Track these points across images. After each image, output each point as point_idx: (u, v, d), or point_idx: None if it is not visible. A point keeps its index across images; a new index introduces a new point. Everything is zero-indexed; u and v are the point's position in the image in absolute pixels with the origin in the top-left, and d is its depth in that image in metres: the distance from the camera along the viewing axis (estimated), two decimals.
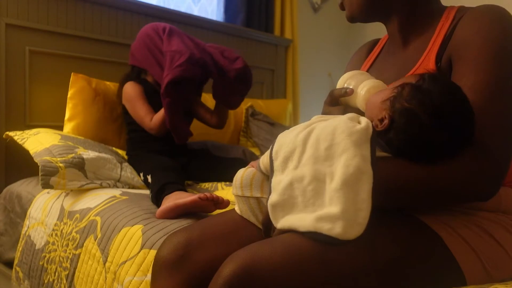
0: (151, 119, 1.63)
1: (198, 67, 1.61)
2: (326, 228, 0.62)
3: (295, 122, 2.92)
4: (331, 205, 0.63)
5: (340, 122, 0.68)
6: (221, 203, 1.18)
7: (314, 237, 0.63)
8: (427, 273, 0.68)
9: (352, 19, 0.93)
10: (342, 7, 0.94)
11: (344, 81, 0.85)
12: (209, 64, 1.64)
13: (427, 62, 0.82)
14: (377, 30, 1.05)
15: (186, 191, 1.32)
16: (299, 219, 0.65)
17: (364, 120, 0.69)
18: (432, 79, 0.70)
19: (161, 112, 1.61)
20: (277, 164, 0.71)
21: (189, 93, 1.67)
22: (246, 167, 0.85)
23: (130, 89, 1.67)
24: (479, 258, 0.71)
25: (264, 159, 0.78)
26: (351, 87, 0.82)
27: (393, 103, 0.71)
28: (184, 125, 1.63)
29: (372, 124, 0.68)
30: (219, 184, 1.61)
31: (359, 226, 0.61)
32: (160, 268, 0.79)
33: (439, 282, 0.68)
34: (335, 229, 0.61)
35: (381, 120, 0.72)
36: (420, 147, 0.68)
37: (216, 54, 1.69)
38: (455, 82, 0.73)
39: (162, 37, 1.66)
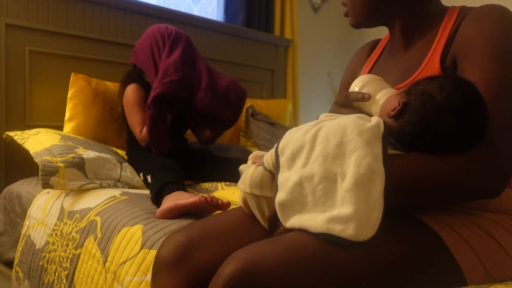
0: (141, 131, 1.62)
1: (186, 88, 1.61)
2: (338, 229, 0.61)
3: (295, 122, 2.91)
4: (343, 206, 0.62)
5: (350, 120, 0.68)
6: (221, 205, 1.17)
7: (325, 238, 0.63)
8: (427, 273, 0.68)
9: (356, 25, 0.93)
10: (346, 14, 0.94)
11: (360, 85, 0.82)
12: (195, 87, 1.64)
13: (432, 63, 0.82)
14: (377, 30, 1.05)
15: (186, 191, 1.32)
16: (310, 219, 0.65)
17: (375, 118, 0.68)
18: (447, 74, 0.73)
19: None
20: (283, 160, 0.71)
21: (176, 109, 1.65)
22: (255, 165, 0.82)
23: (131, 93, 1.66)
24: (479, 258, 0.71)
25: (268, 157, 0.77)
26: (367, 92, 0.80)
27: (408, 91, 0.72)
28: (164, 138, 1.59)
29: (384, 122, 0.68)
30: (219, 184, 1.61)
31: (371, 227, 0.61)
32: (161, 267, 0.79)
33: (439, 282, 0.68)
34: (347, 231, 0.61)
35: (394, 109, 0.72)
36: (432, 132, 0.68)
37: (204, 81, 1.68)
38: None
39: (166, 44, 1.65)
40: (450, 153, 0.69)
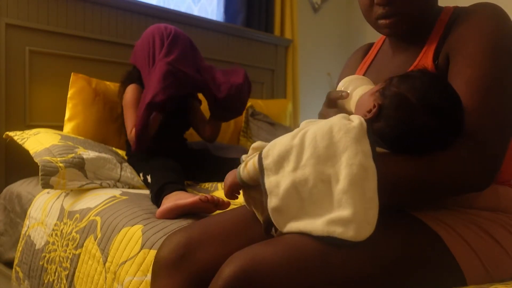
0: (131, 131, 1.59)
1: (189, 85, 1.61)
2: (338, 232, 0.62)
3: (295, 122, 2.91)
4: (340, 208, 0.63)
5: (335, 120, 0.68)
6: (221, 205, 1.17)
7: (326, 241, 0.63)
8: (427, 273, 0.68)
9: (394, 35, 0.90)
10: (391, 24, 0.85)
11: (343, 85, 0.85)
12: (198, 82, 1.64)
13: (424, 60, 0.83)
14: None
15: (186, 191, 1.32)
16: (309, 224, 0.65)
17: (355, 117, 0.69)
18: (420, 70, 0.73)
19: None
20: (267, 162, 0.69)
21: (172, 106, 1.64)
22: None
23: (130, 93, 1.65)
24: (479, 258, 0.71)
25: (249, 165, 0.74)
26: (348, 91, 0.83)
27: (382, 92, 0.73)
28: (148, 137, 1.56)
29: (364, 119, 0.69)
30: (219, 184, 1.61)
31: (369, 225, 0.62)
32: (160, 268, 0.79)
33: (439, 282, 0.68)
34: (348, 232, 0.62)
35: (369, 111, 0.73)
36: (411, 133, 0.69)
37: (214, 73, 1.68)
38: (449, 78, 0.76)
39: (165, 43, 1.63)
40: (435, 151, 0.69)
